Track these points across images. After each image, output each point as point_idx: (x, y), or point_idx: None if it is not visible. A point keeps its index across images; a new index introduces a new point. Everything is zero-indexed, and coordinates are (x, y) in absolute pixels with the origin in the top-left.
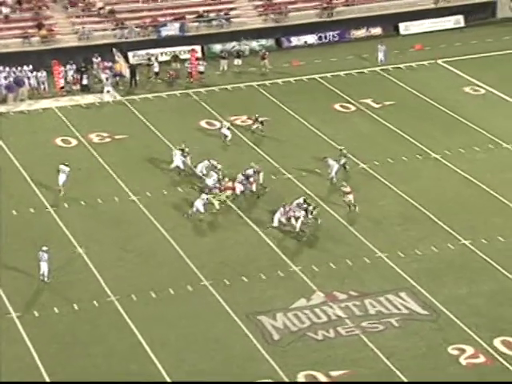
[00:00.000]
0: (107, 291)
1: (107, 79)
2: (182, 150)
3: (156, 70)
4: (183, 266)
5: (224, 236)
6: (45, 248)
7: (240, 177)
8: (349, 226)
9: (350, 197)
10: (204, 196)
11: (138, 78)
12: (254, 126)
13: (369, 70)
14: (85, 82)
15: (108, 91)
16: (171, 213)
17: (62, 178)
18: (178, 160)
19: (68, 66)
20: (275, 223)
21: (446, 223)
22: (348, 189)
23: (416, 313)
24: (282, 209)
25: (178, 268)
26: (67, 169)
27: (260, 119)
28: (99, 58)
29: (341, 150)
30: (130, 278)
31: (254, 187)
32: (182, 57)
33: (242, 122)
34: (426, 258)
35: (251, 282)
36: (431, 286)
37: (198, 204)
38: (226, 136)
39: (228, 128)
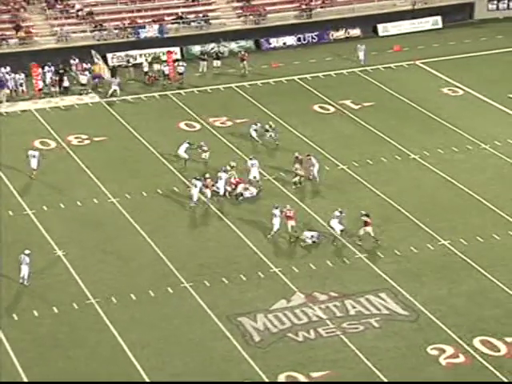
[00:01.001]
0: (87, 294)
1: (114, 77)
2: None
3: (145, 69)
4: (163, 267)
5: (204, 237)
6: (27, 251)
7: (223, 175)
8: (328, 226)
9: (369, 229)
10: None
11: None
12: (268, 135)
13: (348, 71)
14: (66, 84)
15: (115, 90)
16: (151, 215)
17: (33, 162)
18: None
19: (46, 68)
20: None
21: (426, 224)
22: (367, 218)
23: (396, 313)
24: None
25: (158, 270)
26: (37, 153)
27: (273, 125)
28: (77, 60)
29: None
30: (110, 280)
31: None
32: (163, 58)
33: (222, 123)
34: (406, 258)
35: (231, 284)
36: (411, 287)
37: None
38: (254, 137)
39: (255, 130)
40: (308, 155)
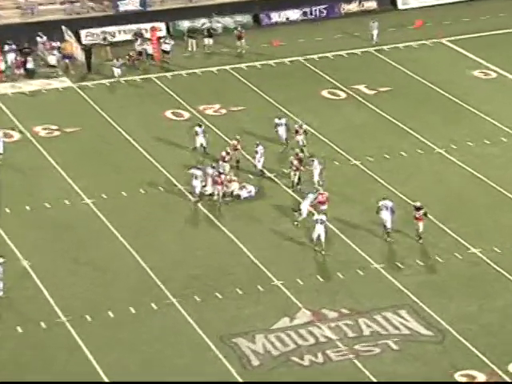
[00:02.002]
0: (57, 311)
1: (118, 60)
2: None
3: (139, 49)
4: (146, 280)
5: (194, 244)
6: (0, 260)
7: (211, 171)
8: (339, 232)
9: (420, 224)
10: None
11: (92, 61)
12: (298, 137)
13: (361, 50)
14: (29, 65)
15: (118, 74)
16: (132, 218)
17: None
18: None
19: (8, 47)
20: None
21: (452, 229)
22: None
23: (418, 333)
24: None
25: (139, 283)
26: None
27: (304, 126)
28: (44, 38)
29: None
30: (84, 295)
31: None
32: (146, 35)
33: (215, 112)
34: (430, 269)
35: (226, 299)
36: (435, 302)
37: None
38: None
39: (280, 125)
40: (311, 156)
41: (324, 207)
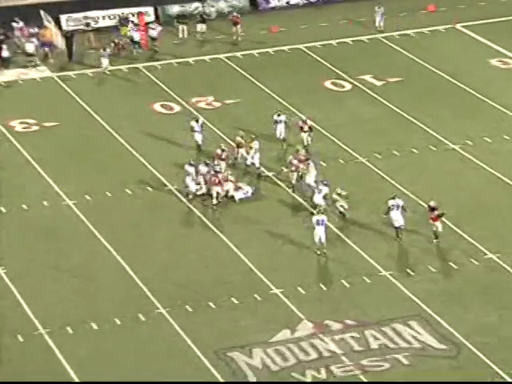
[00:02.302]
0: (35, 322)
1: (105, 49)
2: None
3: (136, 37)
4: (133, 288)
5: (185, 250)
6: None
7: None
8: (343, 236)
9: (438, 224)
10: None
11: (74, 49)
12: (303, 135)
13: (368, 37)
14: (4, 53)
15: (104, 68)
16: (117, 221)
17: None
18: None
19: None
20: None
21: (468, 232)
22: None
23: (430, 347)
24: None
25: (126, 292)
26: None
27: (309, 122)
28: (21, 23)
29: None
30: (65, 304)
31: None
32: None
33: (208, 104)
34: (443, 276)
35: (220, 309)
36: (450, 313)
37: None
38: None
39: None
40: (307, 159)
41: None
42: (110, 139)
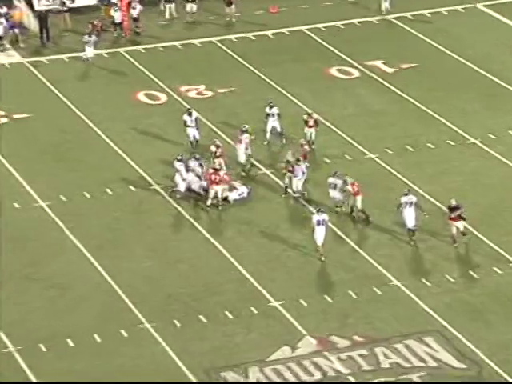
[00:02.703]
0: (4, 339)
1: (91, 35)
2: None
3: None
4: (114, 300)
5: (173, 257)
6: None
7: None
8: (351, 241)
9: (459, 224)
10: None
11: (49, 32)
12: (309, 130)
13: (378, 18)
14: None
15: (87, 57)
16: (97, 225)
17: None
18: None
19: None
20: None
21: (491, 238)
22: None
23: (449, 366)
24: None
25: (106, 304)
26: None
27: (314, 116)
28: None
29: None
30: (38, 319)
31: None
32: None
33: (198, 94)
34: (463, 286)
35: (212, 324)
36: (470, 328)
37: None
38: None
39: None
40: (298, 160)
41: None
42: (89, 133)
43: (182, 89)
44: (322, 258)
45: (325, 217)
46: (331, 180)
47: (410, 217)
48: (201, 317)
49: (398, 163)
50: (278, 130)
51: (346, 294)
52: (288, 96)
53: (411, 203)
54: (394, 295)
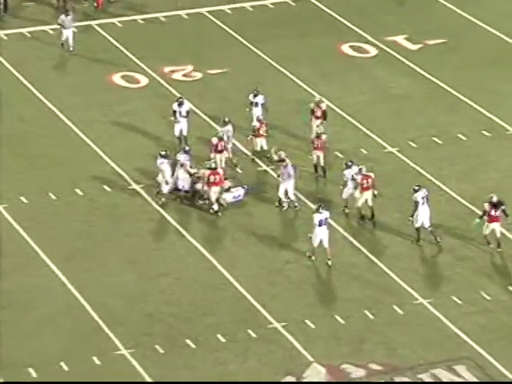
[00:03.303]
0: None
1: (67, 12)
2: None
3: None
4: (84, 322)
5: (155, 270)
6: None
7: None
8: (366, 250)
9: (494, 226)
10: None
11: (7, 1)
12: (316, 124)
13: None
14: None
15: (71, 45)
16: (64, 231)
17: None
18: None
19: None
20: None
21: None
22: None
23: None
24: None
25: (76, 327)
26: None
27: (323, 106)
28: None
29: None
30: None
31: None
32: None
33: (184, 75)
34: (499, 305)
35: (201, 349)
36: (509, 354)
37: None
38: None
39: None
40: (283, 160)
41: (369, 194)
42: (55, 122)
43: (166, 70)
44: (329, 263)
45: (327, 215)
46: (347, 172)
47: (425, 215)
48: (188, 341)
49: (423, 158)
50: (258, 118)
51: (362, 314)
52: (292, 78)
53: (427, 198)
54: (418, 316)
